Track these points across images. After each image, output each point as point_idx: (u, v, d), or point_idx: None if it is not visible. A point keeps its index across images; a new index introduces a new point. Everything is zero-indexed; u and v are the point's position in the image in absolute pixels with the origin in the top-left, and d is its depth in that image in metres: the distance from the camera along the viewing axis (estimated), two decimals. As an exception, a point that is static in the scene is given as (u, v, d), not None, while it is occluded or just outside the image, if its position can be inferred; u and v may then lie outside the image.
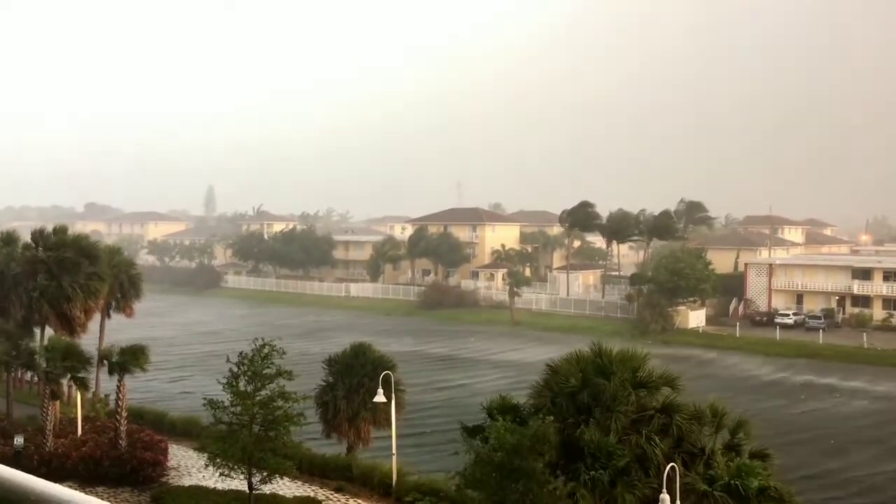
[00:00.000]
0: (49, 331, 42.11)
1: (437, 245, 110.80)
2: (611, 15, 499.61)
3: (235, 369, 26.79)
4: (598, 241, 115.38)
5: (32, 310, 41.01)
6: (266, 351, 26.83)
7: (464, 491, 21.72)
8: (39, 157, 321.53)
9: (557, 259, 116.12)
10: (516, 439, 20.11)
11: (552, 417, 21.80)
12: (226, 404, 26.76)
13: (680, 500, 18.87)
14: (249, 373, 26.62)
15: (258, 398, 26.53)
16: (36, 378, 39.93)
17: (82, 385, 36.51)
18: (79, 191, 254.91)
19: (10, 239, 44.40)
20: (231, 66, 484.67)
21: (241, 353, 27.23)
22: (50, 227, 44.64)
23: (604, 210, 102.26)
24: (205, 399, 27.92)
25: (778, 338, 75.60)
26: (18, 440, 34.14)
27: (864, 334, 74.26)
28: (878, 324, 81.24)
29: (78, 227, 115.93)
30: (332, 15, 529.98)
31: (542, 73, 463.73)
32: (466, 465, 21.46)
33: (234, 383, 26.70)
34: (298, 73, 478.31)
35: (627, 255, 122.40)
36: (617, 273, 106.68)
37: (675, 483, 18.64)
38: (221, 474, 26.87)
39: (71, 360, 34.91)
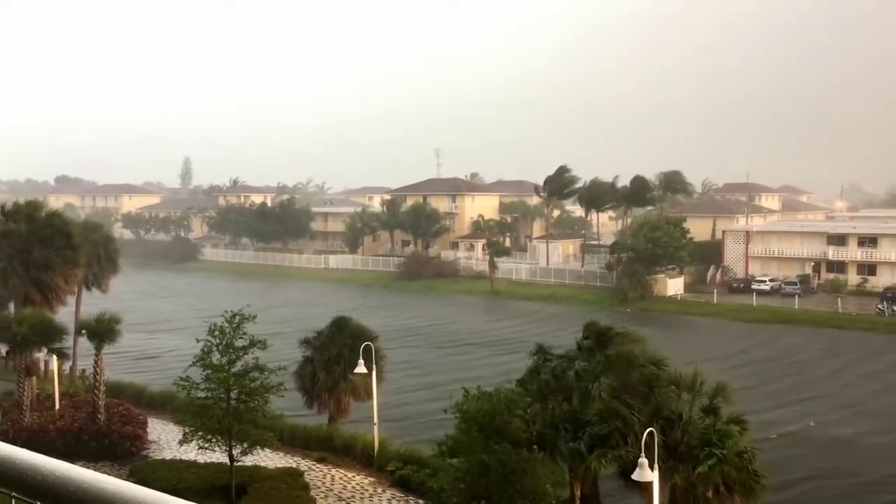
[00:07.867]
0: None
1: (411, 216, 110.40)
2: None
3: (209, 342, 26.49)
4: (577, 210, 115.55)
5: (6, 281, 40.40)
6: (237, 321, 26.49)
7: (444, 458, 21.85)
8: (10, 131, 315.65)
9: (537, 229, 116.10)
10: (492, 404, 20.47)
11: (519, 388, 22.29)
12: (197, 381, 26.36)
13: (659, 463, 19.12)
14: (223, 345, 26.32)
15: (233, 371, 26.26)
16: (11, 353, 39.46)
17: (61, 356, 36.18)
18: (51, 164, 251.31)
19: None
20: (226, 62, 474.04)
21: (212, 325, 26.89)
22: (22, 201, 44.10)
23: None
24: (183, 377, 26.84)
25: (755, 304, 76.45)
26: (-6, 416, 33.84)
27: (839, 299, 75.26)
28: (853, 289, 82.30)
29: (51, 201, 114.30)
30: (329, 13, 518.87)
31: (528, 54, 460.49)
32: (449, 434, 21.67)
33: (207, 358, 26.42)
34: (290, 65, 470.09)
35: (607, 225, 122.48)
36: (597, 242, 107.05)
37: (654, 448, 18.89)
38: (200, 447, 26.78)
39: (44, 332, 34.50)
